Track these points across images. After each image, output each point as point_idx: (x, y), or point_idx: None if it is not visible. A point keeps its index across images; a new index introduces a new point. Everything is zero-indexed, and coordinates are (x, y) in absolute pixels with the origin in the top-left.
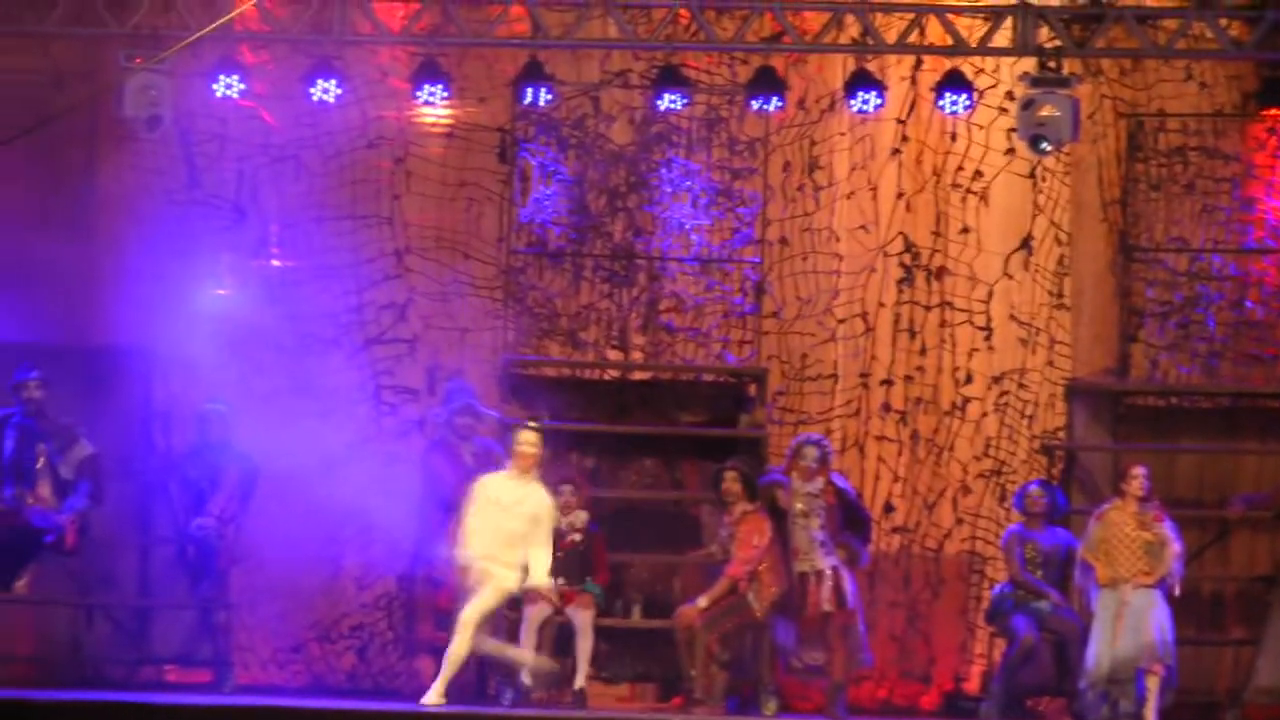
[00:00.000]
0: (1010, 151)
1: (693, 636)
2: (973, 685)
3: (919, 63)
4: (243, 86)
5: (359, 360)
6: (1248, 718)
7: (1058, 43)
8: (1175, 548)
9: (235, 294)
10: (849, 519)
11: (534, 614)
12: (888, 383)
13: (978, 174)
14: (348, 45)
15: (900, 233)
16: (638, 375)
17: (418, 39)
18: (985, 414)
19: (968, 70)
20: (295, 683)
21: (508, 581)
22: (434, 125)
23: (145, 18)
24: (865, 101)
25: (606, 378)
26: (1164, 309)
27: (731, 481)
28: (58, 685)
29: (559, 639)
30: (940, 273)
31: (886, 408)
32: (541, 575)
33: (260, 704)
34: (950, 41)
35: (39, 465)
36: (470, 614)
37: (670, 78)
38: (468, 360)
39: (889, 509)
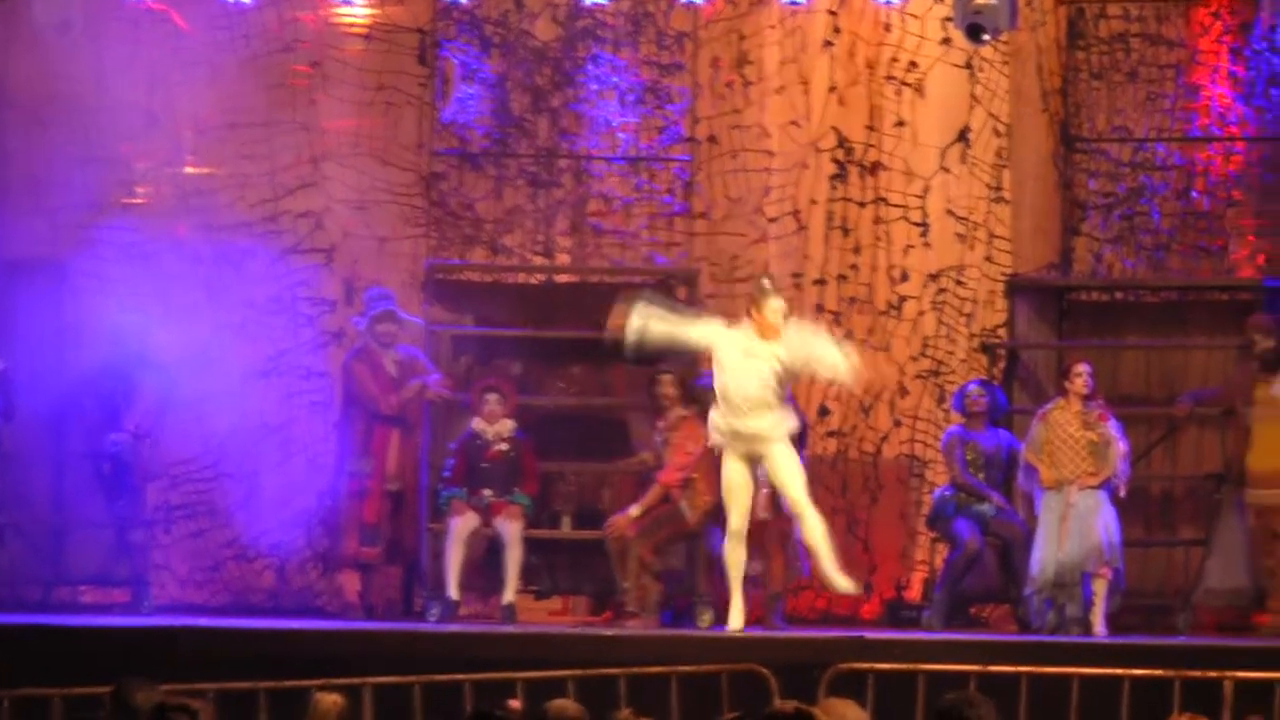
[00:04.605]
0: (946, 41)
1: (625, 547)
2: (914, 593)
3: None
4: None
5: (275, 271)
6: (1198, 620)
7: None
8: (1121, 447)
9: (148, 204)
10: None
11: (460, 526)
12: (821, 282)
13: (912, 65)
14: None
15: (833, 128)
16: (564, 278)
17: None
18: (922, 313)
19: None
20: (214, 602)
21: None
22: (351, 26)
23: None
24: None
25: (532, 282)
26: (1107, 201)
27: (667, 385)
28: None
29: (487, 551)
30: (874, 168)
31: (820, 308)
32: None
33: (179, 624)
34: None
35: None
36: None
37: None
38: (387, 269)
39: (824, 412)
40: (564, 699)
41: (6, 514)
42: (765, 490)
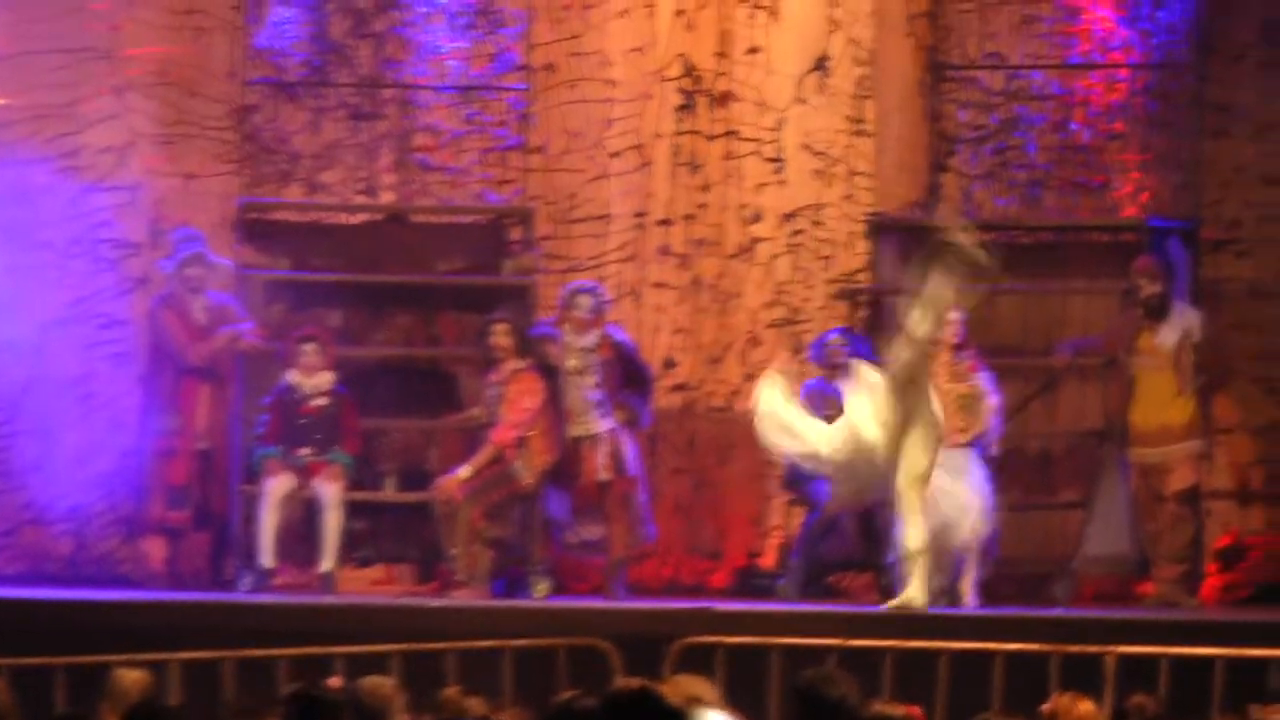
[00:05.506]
0: None
1: (454, 511)
2: (768, 560)
3: None
4: None
5: (75, 210)
6: (1078, 590)
7: None
8: (993, 401)
9: None
10: (628, 376)
11: (274, 487)
12: (666, 223)
13: None
14: None
15: (680, 55)
16: (388, 218)
17: None
18: (776, 256)
19: None
20: (8, 570)
21: None
22: None
23: None
24: None
25: (353, 222)
26: (978, 133)
27: (502, 335)
28: None
29: (305, 515)
30: (725, 99)
31: (665, 251)
32: None
33: None
34: None
35: None
36: None
37: None
38: (196, 209)
39: (670, 364)
40: (380, 675)
41: None
42: (606, 449)
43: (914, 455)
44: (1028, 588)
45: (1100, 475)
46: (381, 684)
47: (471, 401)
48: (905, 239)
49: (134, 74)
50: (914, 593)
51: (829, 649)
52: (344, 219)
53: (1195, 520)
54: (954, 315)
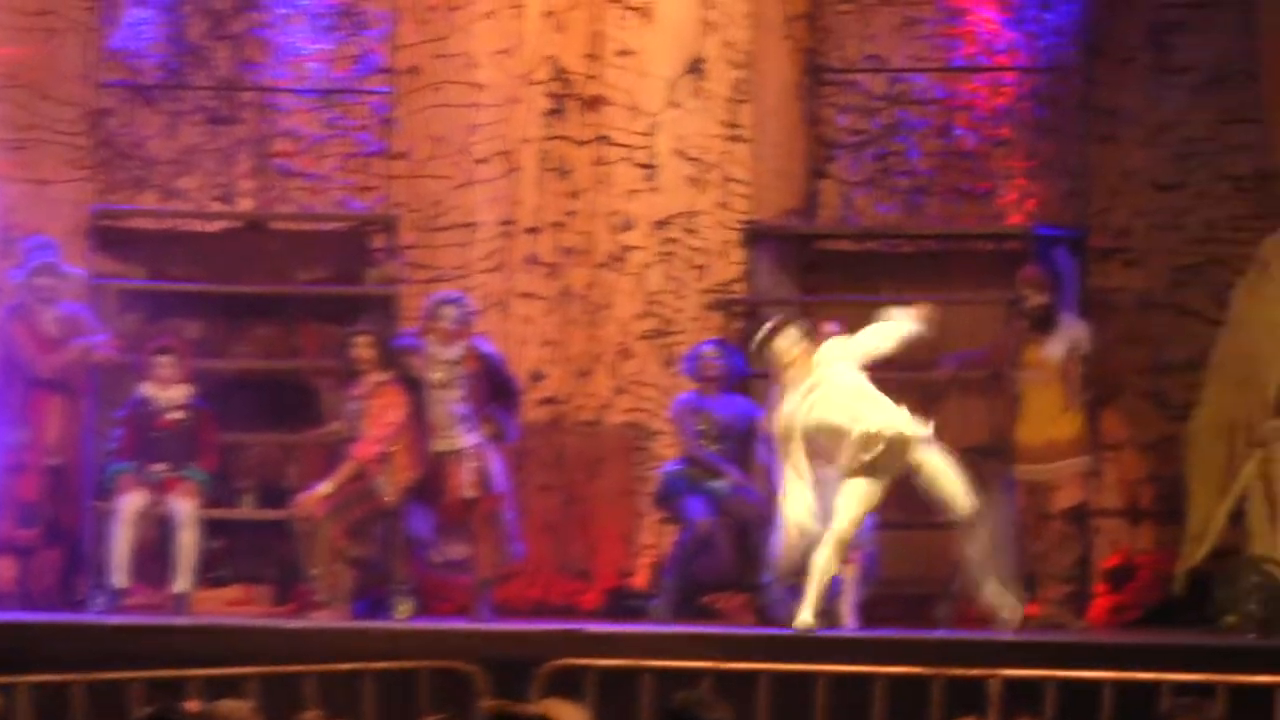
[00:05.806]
0: None
1: (314, 529)
2: (640, 580)
3: None
4: None
5: None
6: (961, 612)
7: None
8: None
9: None
10: (494, 389)
11: (128, 505)
12: (534, 231)
13: None
14: None
15: (548, 57)
16: (247, 226)
17: None
18: (648, 265)
19: None
20: None
21: None
22: None
23: None
24: None
25: (210, 230)
26: (859, 139)
27: (364, 347)
28: None
29: (159, 533)
30: (595, 103)
31: (533, 260)
32: None
33: None
34: None
35: None
36: None
37: None
38: (47, 216)
39: (538, 377)
40: (237, 699)
41: None
42: (472, 465)
43: (864, 494)
44: (909, 609)
45: (984, 493)
46: (238, 708)
47: (332, 416)
48: (782, 248)
49: None
50: (807, 614)
51: (703, 672)
52: (201, 227)
53: (1082, 539)
54: (832, 327)
